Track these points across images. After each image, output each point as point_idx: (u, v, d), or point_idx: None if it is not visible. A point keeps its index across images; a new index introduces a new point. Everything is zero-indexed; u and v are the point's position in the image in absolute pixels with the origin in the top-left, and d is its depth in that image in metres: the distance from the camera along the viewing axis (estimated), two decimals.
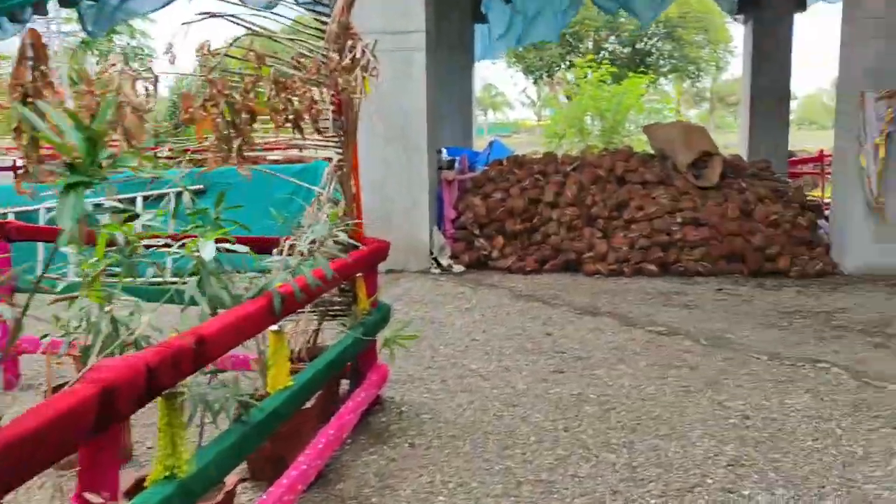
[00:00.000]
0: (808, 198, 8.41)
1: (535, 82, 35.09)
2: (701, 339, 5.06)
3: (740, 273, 7.17)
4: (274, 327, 2.48)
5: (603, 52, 28.85)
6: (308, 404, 3.08)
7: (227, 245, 2.02)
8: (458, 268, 7.54)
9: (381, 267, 7.42)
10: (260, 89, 2.63)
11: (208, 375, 2.19)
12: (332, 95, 3.14)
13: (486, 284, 6.94)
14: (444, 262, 7.54)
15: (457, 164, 8.83)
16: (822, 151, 12.94)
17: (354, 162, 3.80)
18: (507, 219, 7.79)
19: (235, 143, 2.29)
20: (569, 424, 3.65)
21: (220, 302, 2.09)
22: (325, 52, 3.11)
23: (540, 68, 30.46)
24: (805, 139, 28.42)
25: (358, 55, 3.09)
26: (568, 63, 30.35)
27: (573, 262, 7.51)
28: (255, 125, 2.99)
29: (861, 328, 5.28)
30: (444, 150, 9.42)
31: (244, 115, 2.33)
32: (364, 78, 3.21)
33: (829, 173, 12.24)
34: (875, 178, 6.96)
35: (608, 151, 8.67)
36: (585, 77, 18.48)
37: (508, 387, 4.20)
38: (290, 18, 3.88)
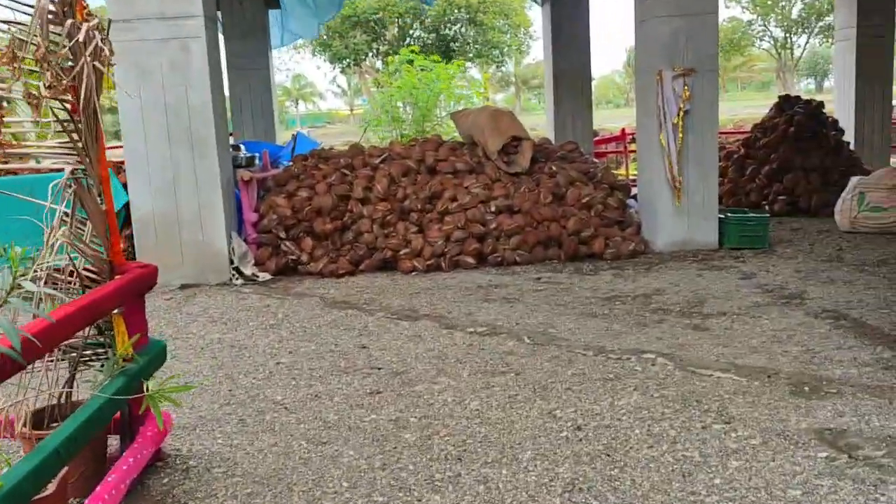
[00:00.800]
0: (617, 177, 8.46)
1: (343, 71, 34.38)
2: (525, 337, 4.77)
3: (557, 259, 7.04)
4: None
5: (408, 38, 28.65)
6: (49, 488, 2.40)
7: None
8: (263, 276, 6.86)
9: (176, 283, 6.65)
10: None
11: None
12: (48, 88, 2.43)
13: (296, 293, 6.32)
14: (248, 271, 6.82)
15: (258, 161, 8.11)
16: (623, 130, 13.37)
17: (103, 171, 3.08)
18: (315, 218, 7.19)
19: None
20: (387, 460, 3.18)
21: None
22: (36, 36, 2.39)
23: (346, 56, 29.76)
24: (603, 118, 29.94)
25: (81, 39, 2.39)
26: (375, 50, 29.93)
27: (389, 259, 7.06)
28: None
29: (679, 309, 5.23)
30: (242, 146, 8.65)
31: None
32: (96, 69, 2.51)
33: (631, 151, 12.67)
34: (675, 156, 7.05)
35: (417, 141, 8.29)
36: (410, 63, 18.05)
37: (318, 419, 3.65)
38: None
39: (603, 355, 4.33)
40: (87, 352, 2.98)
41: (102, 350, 2.99)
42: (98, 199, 3.03)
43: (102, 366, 2.92)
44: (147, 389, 2.57)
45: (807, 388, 3.67)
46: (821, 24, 43.41)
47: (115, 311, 2.88)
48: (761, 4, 45.19)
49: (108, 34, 2.68)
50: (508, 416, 3.56)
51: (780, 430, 3.22)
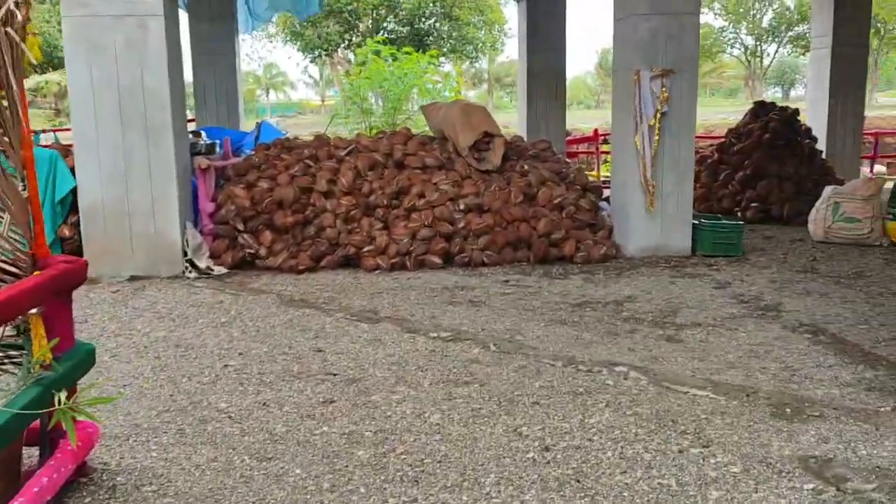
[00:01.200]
0: (590, 178, 8.24)
1: (314, 61, 33.83)
2: (490, 344, 4.51)
3: (526, 261, 6.80)
4: None
5: (382, 31, 28.21)
6: None
7: None
8: (218, 269, 6.51)
9: (125, 274, 6.28)
10: None
11: None
12: None
13: (252, 289, 6.00)
14: (202, 263, 6.47)
15: (218, 149, 7.75)
16: (596, 131, 13.19)
17: (27, 153, 2.75)
18: (275, 211, 6.85)
19: None
20: (336, 480, 2.90)
21: None
22: None
23: (318, 46, 29.23)
24: (574, 119, 29.77)
25: None
26: (347, 41, 29.45)
27: (352, 256, 6.76)
28: None
29: (651, 318, 5.01)
30: (203, 133, 8.29)
31: None
32: (9, 36, 2.19)
33: (604, 152, 12.49)
34: (649, 159, 6.84)
35: (385, 133, 7.99)
36: (378, 54, 17.68)
37: (264, 431, 3.36)
38: None
39: (573, 366, 4.09)
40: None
41: (18, 353, 2.66)
42: (21, 184, 2.72)
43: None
44: (59, 402, 2.25)
45: (788, 410, 3.45)
46: (791, 33, 43.79)
47: (34, 310, 2.55)
48: (733, 12, 45.47)
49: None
50: (471, 432, 3.30)
51: (761, 457, 3.00)
